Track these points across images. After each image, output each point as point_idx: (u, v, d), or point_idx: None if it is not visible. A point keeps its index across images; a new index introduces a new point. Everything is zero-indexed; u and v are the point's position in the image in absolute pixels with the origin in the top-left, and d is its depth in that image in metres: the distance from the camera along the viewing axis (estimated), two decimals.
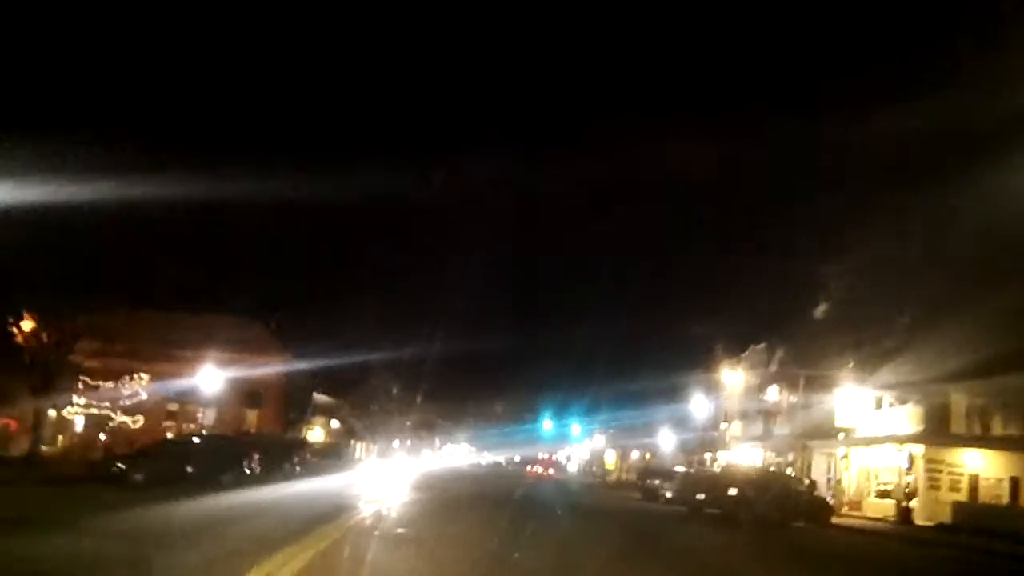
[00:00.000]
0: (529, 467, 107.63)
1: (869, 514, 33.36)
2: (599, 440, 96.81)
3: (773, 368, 45.52)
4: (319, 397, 70.46)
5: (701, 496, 29.12)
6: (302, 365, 64.03)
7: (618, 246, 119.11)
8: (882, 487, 34.95)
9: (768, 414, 45.36)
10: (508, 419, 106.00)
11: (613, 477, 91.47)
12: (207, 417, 53.91)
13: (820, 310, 40.16)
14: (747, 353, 50.88)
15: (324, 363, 73.38)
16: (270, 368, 58.18)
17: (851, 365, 37.73)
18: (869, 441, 34.46)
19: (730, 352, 52.48)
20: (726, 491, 27.53)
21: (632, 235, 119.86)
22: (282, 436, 44.23)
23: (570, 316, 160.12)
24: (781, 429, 44.30)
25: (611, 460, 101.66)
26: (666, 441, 76.51)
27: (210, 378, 44.51)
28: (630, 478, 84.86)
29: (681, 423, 72.61)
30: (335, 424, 72.95)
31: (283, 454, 31.72)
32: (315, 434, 62.64)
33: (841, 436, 37.55)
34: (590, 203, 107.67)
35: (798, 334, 42.66)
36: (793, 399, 42.88)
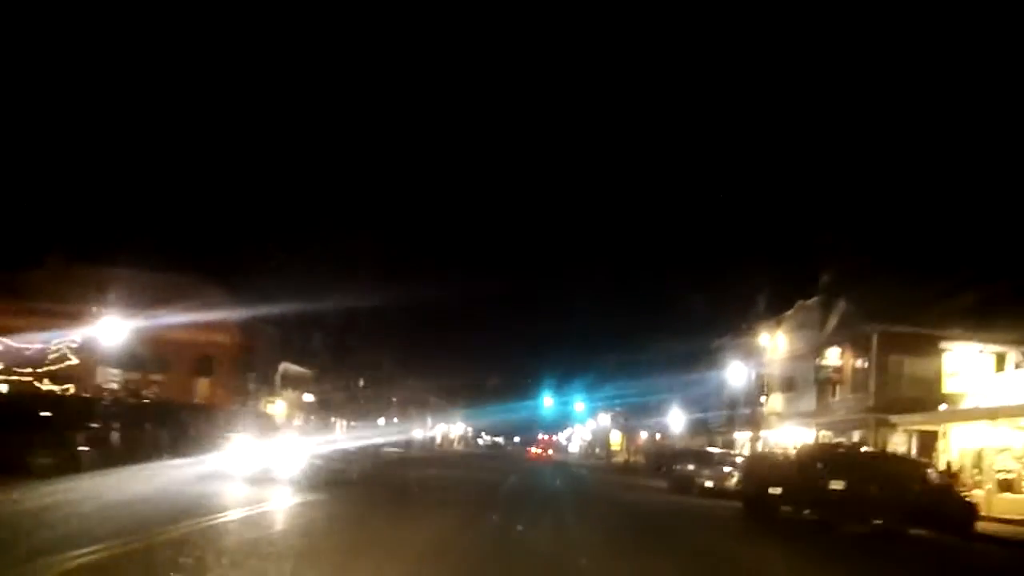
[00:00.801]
0: (528, 448, 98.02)
1: (994, 514, 23.50)
2: (603, 420, 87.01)
3: (832, 324, 35.59)
4: (290, 368, 60.69)
5: (776, 490, 19.25)
6: (268, 330, 54.51)
7: (625, 181, 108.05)
8: (1003, 476, 25.13)
9: (825, 383, 35.48)
10: (507, 396, 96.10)
11: (620, 460, 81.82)
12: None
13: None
14: (792, 311, 40.93)
15: (298, 331, 64.40)
16: (223, 333, 48.46)
17: (957, 316, 27.81)
18: (994, 413, 24.47)
19: (768, 312, 42.56)
20: (823, 484, 17.66)
21: (642, 166, 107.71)
22: (181, 404, 34.24)
23: (574, 276, 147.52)
24: (843, 401, 34.44)
25: (616, 441, 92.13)
26: (681, 420, 66.95)
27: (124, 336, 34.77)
28: (638, 461, 75.53)
29: (699, 400, 63.00)
30: (308, 398, 63.14)
31: (170, 427, 21.88)
32: (277, 407, 52.88)
33: (942, 407, 27.69)
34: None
35: (869, 281, 32.70)
36: (861, 363, 33.00)
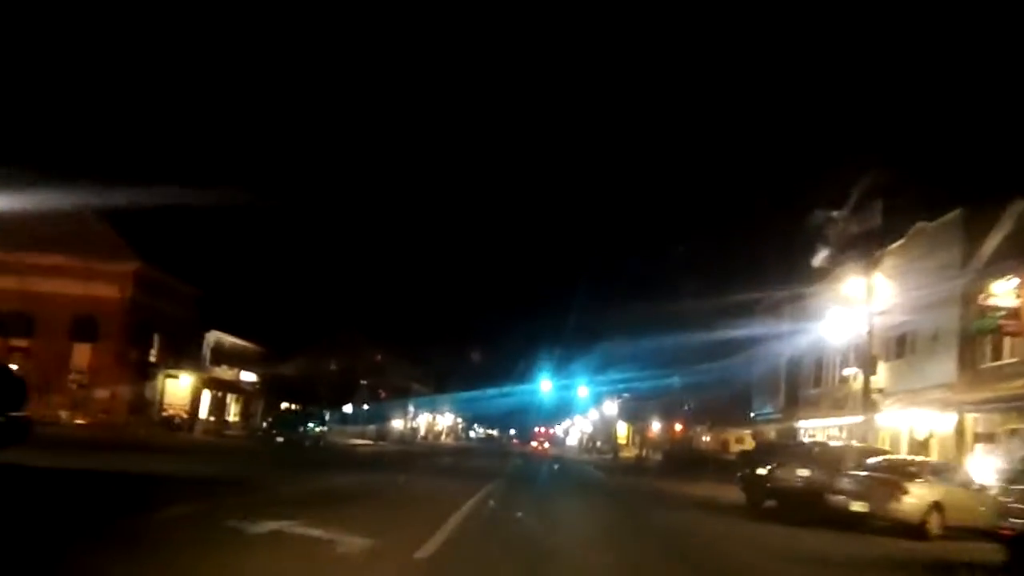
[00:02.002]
0: (516, 441, 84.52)
1: None
2: (609, 408, 73.54)
3: (996, 243, 22.28)
4: (225, 339, 47.14)
5: None
6: (182, 289, 41.06)
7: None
8: None
9: (981, 338, 22.16)
10: (500, 381, 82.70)
11: (628, 455, 68.58)
12: None
13: None
14: (904, 240, 27.56)
15: (236, 295, 50.96)
16: (112, 286, 35.15)
17: None
18: None
19: (857, 246, 29.12)
20: None
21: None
22: None
23: (576, 230, 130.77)
24: (1019, 365, 21.06)
25: (622, 434, 78.92)
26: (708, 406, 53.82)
27: None
28: (652, 458, 62.38)
29: (726, 382, 49.78)
30: (249, 377, 49.57)
31: None
32: (181, 383, 39.24)
33: None
34: None
35: None
36: None
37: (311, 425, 37.28)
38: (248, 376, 49.54)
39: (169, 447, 25.49)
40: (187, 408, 38.02)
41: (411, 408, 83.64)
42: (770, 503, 19.03)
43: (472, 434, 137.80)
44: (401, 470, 24.57)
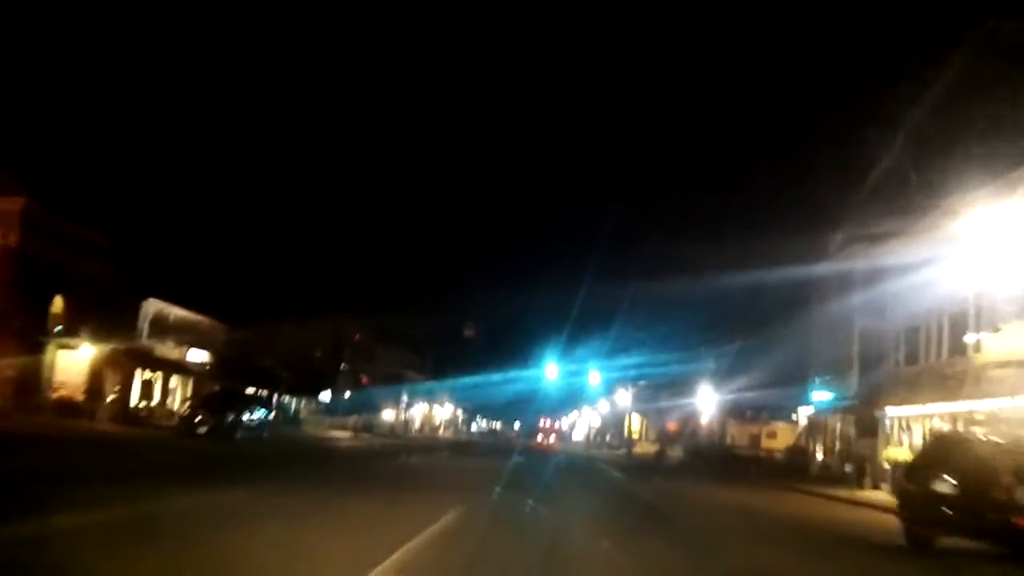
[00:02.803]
0: (514, 435, 75.97)
1: None
2: (622, 399, 64.95)
3: None
4: (170, 311, 38.82)
5: None
6: (90, 240, 32.82)
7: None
8: None
9: None
10: (503, 366, 74.32)
11: (644, 451, 60.18)
12: None
13: None
14: None
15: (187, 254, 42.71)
16: None
17: None
18: None
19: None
20: None
21: None
22: None
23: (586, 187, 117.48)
24: None
25: (634, 427, 70.40)
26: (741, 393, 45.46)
27: None
28: (671, 455, 54.03)
29: (766, 363, 41.48)
30: (200, 357, 41.21)
31: None
32: (80, 355, 30.67)
33: None
34: None
35: None
36: None
37: (257, 411, 28.95)
38: (201, 356, 41.20)
39: (26, 441, 17.39)
40: (85, 388, 29.62)
41: (404, 397, 75.30)
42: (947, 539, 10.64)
43: (474, 427, 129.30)
44: (348, 477, 16.41)
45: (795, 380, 39.50)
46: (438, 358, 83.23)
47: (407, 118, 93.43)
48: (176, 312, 39.47)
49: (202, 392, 37.64)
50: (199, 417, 25.60)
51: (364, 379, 48.41)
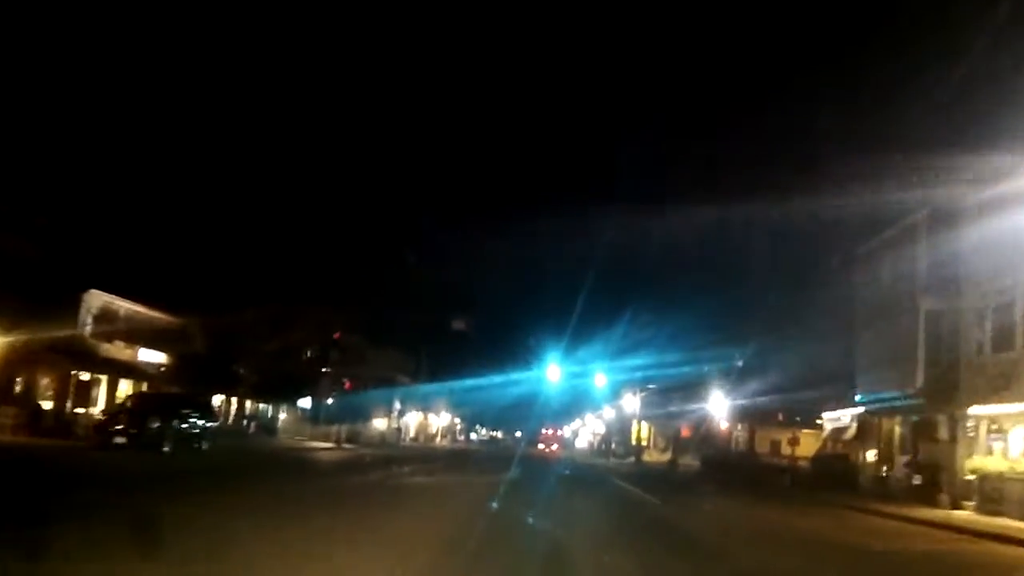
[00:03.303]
0: (513, 441, 70.71)
1: None
2: (630, 403, 59.77)
3: None
4: (122, 305, 33.94)
5: None
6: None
7: None
8: None
9: None
10: (501, 367, 69.30)
11: (656, 459, 55.09)
12: None
13: None
14: None
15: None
16: None
17: None
18: None
19: None
20: None
21: None
22: None
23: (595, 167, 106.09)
24: None
25: (643, 434, 65.10)
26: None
27: None
28: (686, 463, 49.03)
29: (799, 360, 36.63)
30: (155, 357, 36.21)
31: None
32: None
33: None
34: None
35: None
36: None
37: (198, 419, 23.81)
38: (157, 356, 36.20)
39: None
40: None
41: (397, 404, 70.20)
42: None
43: (474, 436, 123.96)
44: (293, 498, 11.49)
45: (825, 380, 34.60)
46: (434, 362, 78.29)
47: (403, 93, 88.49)
48: (127, 307, 34.54)
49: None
50: (118, 425, 20.52)
51: (347, 383, 43.36)
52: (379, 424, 66.59)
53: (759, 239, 32.93)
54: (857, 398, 27.93)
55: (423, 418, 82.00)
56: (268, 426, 44.68)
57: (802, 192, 23.76)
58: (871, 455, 27.72)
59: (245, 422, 44.22)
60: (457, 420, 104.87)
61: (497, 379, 59.41)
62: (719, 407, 46.76)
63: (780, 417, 45.47)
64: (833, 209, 23.75)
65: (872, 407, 26.85)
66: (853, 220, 25.24)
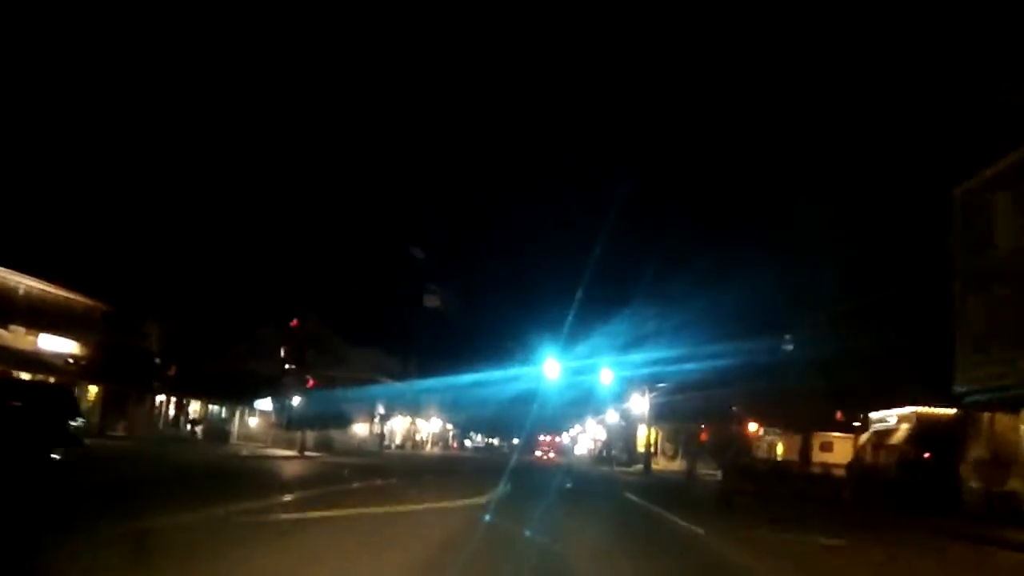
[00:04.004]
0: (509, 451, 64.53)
1: None
2: (638, 404, 52.98)
3: None
4: (23, 282, 27.27)
5: None
6: None
7: None
8: None
9: None
10: (492, 361, 62.74)
11: (667, 467, 48.39)
12: None
13: None
14: None
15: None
16: None
17: None
18: None
19: None
20: None
21: None
22: None
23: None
24: None
25: (646, 437, 58.21)
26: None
27: None
28: (705, 472, 42.42)
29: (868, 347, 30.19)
30: (64, 347, 29.52)
31: None
32: None
33: None
34: None
35: None
36: None
37: (34, 418, 17.00)
38: (67, 346, 29.47)
39: None
40: None
41: (380, 408, 63.31)
42: None
43: (468, 443, 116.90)
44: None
45: (881, 372, 28.22)
46: (423, 361, 71.37)
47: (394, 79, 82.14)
48: (30, 284, 27.83)
49: None
50: None
51: (310, 382, 36.68)
52: (360, 430, 59.78)
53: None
54: (956, 389, 21.21)
55: (410, 423, 75.03)
56: (217, 431, 37.84)
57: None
58: (973, 460, 21.01)
59: (189, 427, 37.45)
60: (450, 426, 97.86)
61: (490, 377, 52.29)
62: (742, 407, 40.23)
63: (821, 418, 38.95)
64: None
65: (978, 397, 20.14)
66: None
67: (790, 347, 29.75)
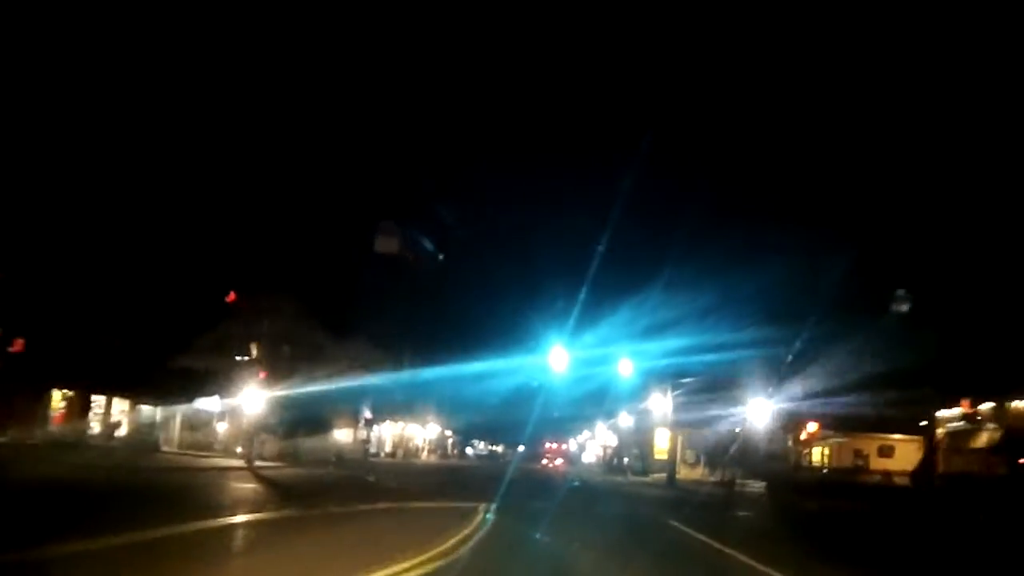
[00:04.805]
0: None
1: None
2: (659, 403, 45.74)
3: None
4: None
5: None
6: None
7: None
8: None
9: None
10: (487, 350, 55.56)
11: (694, 478, 41.29)
12: None
13: None
14: None
15: None
16: None
17: None
18: None
19: None
20: None
21: None
22: None
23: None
24: None
25: (663, 445, 51.12)
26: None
27: None
28: (742, 483, 35.30)
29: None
30: None
31: None
32: None
33: None
34: None
35: None
36: None
37: None
38: None
39: None
40: None
41: (366, 411, 56.21)
42: None
43: (470, 450, 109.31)
44: None
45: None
46: (416, 354, 64.01)
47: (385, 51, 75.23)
48: None
49: None
50: None
51: (263, 374, 29.65)
52: (343, 436, 52.80)
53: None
54: None
55: (402, 429, 67.81)
56: (146, 437, 30.86)
57: None
58: None
59: (96, 428, 30.46)
60: (448, 432, 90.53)
61: (490, 368, 44.84)
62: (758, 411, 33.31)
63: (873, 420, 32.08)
64: None
65: None
66: None
67: (905, 307, 22.43)
